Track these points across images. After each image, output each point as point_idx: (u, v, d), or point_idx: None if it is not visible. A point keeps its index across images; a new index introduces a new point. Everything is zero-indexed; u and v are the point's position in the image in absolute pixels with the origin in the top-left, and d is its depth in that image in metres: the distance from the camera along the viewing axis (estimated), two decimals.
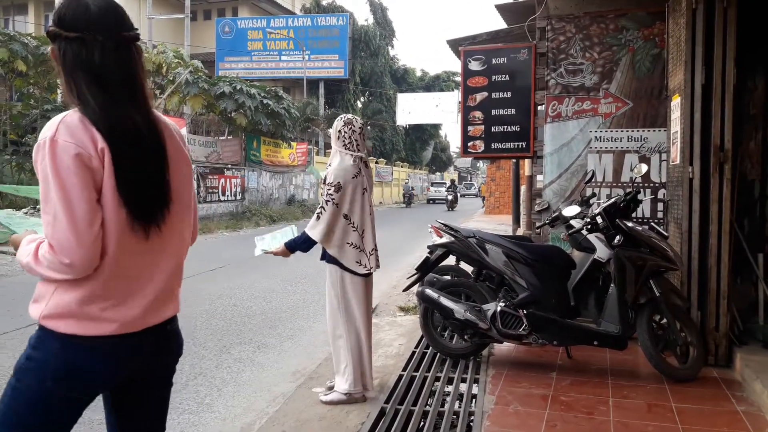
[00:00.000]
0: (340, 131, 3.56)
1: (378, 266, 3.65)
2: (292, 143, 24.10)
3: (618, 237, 4.00)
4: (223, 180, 19.13)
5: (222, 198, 19.08)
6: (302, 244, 3.56)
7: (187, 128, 17.89)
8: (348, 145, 3.55)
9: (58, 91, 17.73)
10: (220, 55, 31.49)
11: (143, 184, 1.50)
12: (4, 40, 15.24)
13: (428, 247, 4.54)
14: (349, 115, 3.68)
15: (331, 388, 3.71)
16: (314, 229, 3.49)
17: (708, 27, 4.07)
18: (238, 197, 20.07)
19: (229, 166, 20.00)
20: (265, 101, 19.35)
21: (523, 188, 11.22)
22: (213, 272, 8.87)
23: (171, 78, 17.79)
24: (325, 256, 3.57)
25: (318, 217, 3.47)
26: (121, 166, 1.44)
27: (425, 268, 4.51)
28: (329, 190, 3.46)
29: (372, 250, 3.60)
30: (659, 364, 3.88)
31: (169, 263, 1.62)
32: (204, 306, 6.50)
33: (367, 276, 3.62)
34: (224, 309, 6.37)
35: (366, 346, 3.63)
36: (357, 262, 3.52)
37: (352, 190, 3.49)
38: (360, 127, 3.63)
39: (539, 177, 5.75)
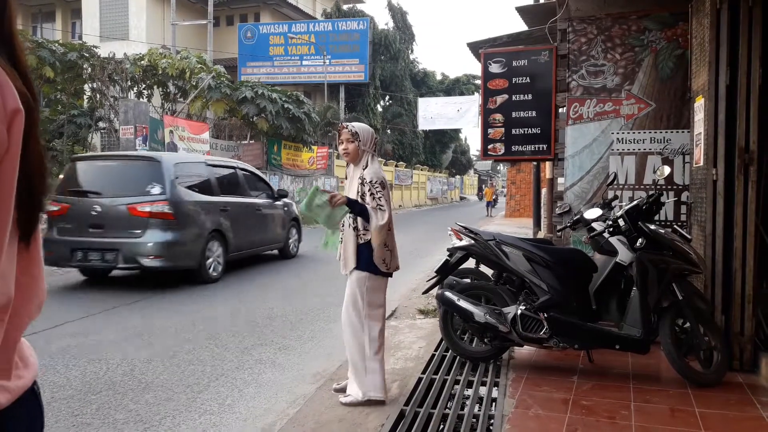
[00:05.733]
0: (374, 140, 3.65)
1: (398, 267, 3.67)
2: (313, 147, 24.25)
3: (640, 240, 3.95)
4: None
5: None
6: (361, 213, 3.47)
7: (209, 132, 18.10)
8: (376, 153, 3.66)
9: (85, 97, 18.10)
10: (243, 60, 31.75)
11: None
12: (33, 47, 15.56)
13: (448, 249, 4.53)
14: None
15: (344, 389, 3.73)
16: (377, 216, 3.43)
17: (733, 27, 4.01)
18: None
19: None
20: (286, 106, 19.50)
21: (543, 191, 11.15)
22: (234, 273, 8.95)
23: (194, 83, 18.04)
24: (358, 265, 3.52)
25: (380, 210, 3.44)
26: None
27: (445, 270, 4.50)
28: (377, 188, 3.47)
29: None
30: (682, 368, 3.83)
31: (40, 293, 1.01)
32: (225, 308, 6.57)
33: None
34: (245, 311, 6.42)
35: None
36: (382, 261, 3.53)
37: (389, 193, 3.59)
38: None
39: (560, 179, 5.70)
